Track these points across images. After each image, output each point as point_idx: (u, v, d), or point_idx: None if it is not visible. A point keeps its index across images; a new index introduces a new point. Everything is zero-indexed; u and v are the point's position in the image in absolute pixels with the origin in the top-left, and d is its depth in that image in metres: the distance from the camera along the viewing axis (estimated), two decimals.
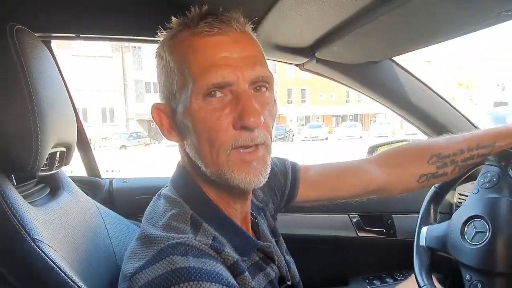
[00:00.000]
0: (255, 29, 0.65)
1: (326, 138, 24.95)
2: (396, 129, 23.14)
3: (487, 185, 0.90)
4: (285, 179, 0.87)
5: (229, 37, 0.57)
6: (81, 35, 1.13)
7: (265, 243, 0.67)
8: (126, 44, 26.18)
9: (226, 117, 0.56)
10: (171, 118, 0.62)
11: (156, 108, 0.63)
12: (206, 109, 0.56)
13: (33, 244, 0.61)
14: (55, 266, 0.61)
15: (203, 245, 0.53)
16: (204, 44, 0.57)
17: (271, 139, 0.61)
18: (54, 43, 1.26)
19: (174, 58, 0.59)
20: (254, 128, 0.56)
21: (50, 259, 0.61)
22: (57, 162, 0.83)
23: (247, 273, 0.56)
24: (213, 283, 0.48)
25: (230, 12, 0.60)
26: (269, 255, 0.67)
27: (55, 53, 1.10)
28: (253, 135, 0.56)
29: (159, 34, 0.63)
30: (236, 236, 0.61)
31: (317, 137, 24.67)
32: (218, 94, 0.56)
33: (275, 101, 0.63)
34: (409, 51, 1.14)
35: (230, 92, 0.56)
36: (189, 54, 0.57)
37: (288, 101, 32.13)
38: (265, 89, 0.60)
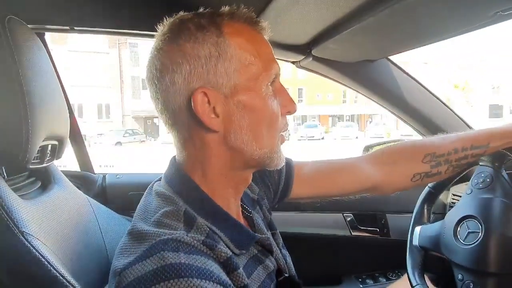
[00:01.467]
0: None
1: (322, 138, 25.00)
2: (392, 130, 23.26)
3: (481, 185, 0.91)
4: (279, 175, 0.87)
5: (267, 40, 0.66)
6: (75, 28, 1.12)
7: (263, 236, 0.67)
8: (123, 40, 26.10)
9: (277, 104, 0.64)
10: (217, 104, 0.59)
11: (202, 92, 0.58)
12: (269, 95, 0.62)
13: (21, 237, 0.61)
14: (44, 260, 0.60)
15: (195, 241, 0.53)
16: (262, 39, 0.64)
17: None
18: (50, 38, 1.25)
19: (235, 46, 0.60)
20: (293, 113, 0.67)
21: (39, 252, 0.60)
22: (48, 155, 0.82)
23: (241, 270, 0.56)
24: (203, 280, 0.47)
25: (228, 7, 0.63)
26: (267, 247, 0.67)
27: (50, 48, 1.09)
28: (286, 121, 0.66)
29: (189, 14, 0.61)
30: (234, 230, 0.61)
31: (313, 136, 24.72)
32: (272, 83, 0.63)
33: None
34: (405, 50, 1.14)
35: (273, 84, 0.64)
36: (254, 44, 0.62)
37: None
38: None
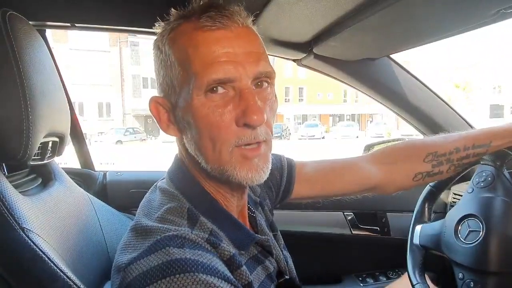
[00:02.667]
0: (252, 22, 0.64)
1: (323, 137, 24.99)
2: (392, 130, 23.25)
3: (482, 184, 0.90)
4: (280, 176, 0.87)
5: (232, 32, 0.56)
6: (76, 25, 1.12)
7: (263, 237, 0.67)
8: (124, 38, 26.09)
9: (229, 114, 0.55)
10: (170, 112, 0.61)
11: (154, 101, 0.61)
12: (209, 105, 0.55)
13: (22, 233, 0.60)
14: (44, 256, 0.60)
15: (200, 239, 0.52)
16: (206, 39, 0.55)
17: (272, 135, 0.60)
18: (51, 37, 1.25)
19: (175, 52, 0.57)
20: (257, 126, 0.55)
21: (39, 249, 0.60)
22: (49, 152, 0.82)
23: (244, 267, 0.56)
24: (208, 275, 0.47)
25: (232, 6, 0.58)
26: (267, 248, 0.67)
27: (51, 47, 1.09)
28: (255, 133, 0.56)
29: (157, 26, 0.61)
30: (234, 230, 0.61)
31: (314, 136, 24.72)
32: (221, 90, 0.55)
33: (275, 96, 0.62)
34: (407, 49, 1.14)
35: (233, 89, 0.56)
36: (190, 48, 0.55)
37: (285, 99, 32.13)
38: (266, 84, 0.59)
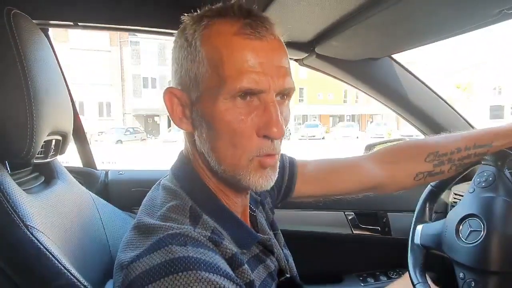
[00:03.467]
0: None
1: (323, 138, 24.96)
2: (393, 130, 23.23)
3: (483, 184, 0.90)
4: (282, 174, 0.87)
5: (268, 43, 0.56)
6: (79, 24, 1.12)
7: (265, 236, 0.67)
8: (125, 38, 26.08)
9: (251, 123, 0.56)
10: (186, 107, 0.60)
11: (170, 92, 0.60)
12: (233, 111, 0.55)
13: (26, 230, 0.61)
14: (48, 253, 0.60)
15: (202, 237, 0.53)
16: (244, 46, 0.55)
17: None
18: (51, 37, 1.24)
19: (208, 50, 0.56)
20: (276, 139, 0.57)
21: (43, 246, 0.61)
22: (52, 150, 0.82)
23: (246, 265, 0.56)
24: (211, 273, 0.47)
25: (267, 16, 0.59)
26: (269, 248, 0.67)
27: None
28: (274, 145, 0.57)
29: (187, 16, 0.60)
30: (237, 229, 0.61)
31: (314, 136, 24.69)
32: (247, 98, 0.56)
33: (289, 110, 0.63)
34: (409, 49, 1.14)
35: (258, 99, 0.56)
36: (226, 51, 0.55)
37: None
38: (286, 98, 0.61)
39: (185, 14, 0.61)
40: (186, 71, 0.59)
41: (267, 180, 0.59)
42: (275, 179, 0.60)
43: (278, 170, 0.61)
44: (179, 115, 0.61)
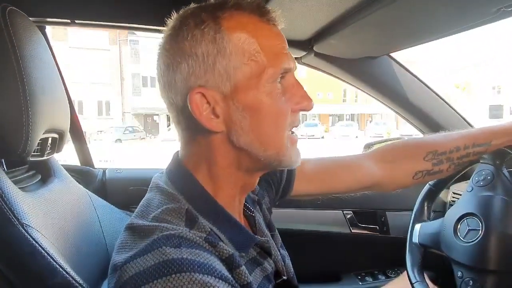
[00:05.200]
0: None
1: (322, 137, 24.98)
2: (392, 130, 23.25)
3: (482, 183, 0.90)
4: (280, 173, 0.87)
5: (279, 29, 0.61)
6: (76, 21, 1.12)
7: (263, 238, 0.66)
8: (124, 37, 26.05)
9: (288, 101, 0.60)
10: (216, 104, 0.57)
11: (198, 93, 0.56)
12: (276, 93, 0.58)
13: (21, 228, 0.60)
14: (43, 252, 0.60)
15: (197, 238, 0.52)
16: (270, 32, 0.59)
17: None
18: (50, 35, 1.24)
19: (237, 40, 0.56)
20: (309, 110, 0.62)
21: (39, 244, 0.60)
22: (48, 148, 0.81)
23: (243, 267, 0.55)
24: (205, 275, 0.47)
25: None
26: (267, 250, 0.66)
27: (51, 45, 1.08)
28: (299, 119, 0.63)
29: (193, 8, 0.59)
30: (235, 231, 0.60)
31: (313, 135, 24.68)
32: (281, 79, 0.59)
33: None
34: (408, 47, 1.14)
35: (285, 79, 0.60)
36: (257, 39, 0.57)
37: None
38: None
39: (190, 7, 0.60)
40: (211, 66, 0.56)
41: (299, 156, 0.64)
42: None
43: None
44: (209, 115, 0.57)
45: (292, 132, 0.62)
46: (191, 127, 0.59)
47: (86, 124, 20.65)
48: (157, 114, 27.62)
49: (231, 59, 0.56)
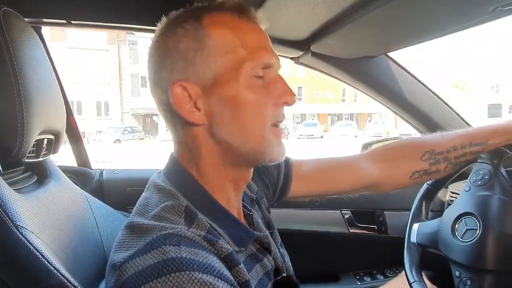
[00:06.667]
0: None
1: (322, 137, 24.99)
2: (391, 129, 23.27)
3: (479, 182, 0.90)
4: (278, 174, 0.87)
5: (259, 26, 0.63)
6: (72, 22, 1.11)
7: (262, 234, 0.67)
8: (122, 37, 26.03)
9: (269, 95, 0.61)
10: (197, 98, 0.59)
11: (180, 85, 0.58)
12: (256, 86, 0.59)
13: (15, 230, 0.60)
14: (38, 253, 0.59)
15: (196, 236, 0.52)
16: (250, 28, 0.61)
17: None
18: (49, 36, 1.24)
19: (217, 37, 0.58)
20: (291, 105, 0.63)
21: (33, 246, 0.60)
22: (44, 149, 0.81)
23: (242, 265, 0.55)
24: (204, 273, 0.47)
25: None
26: (266, 245, 0.66)
27: (49, 46, 1.08)
28: (283, 114, 0.63)
29: (180, 10, 0.62)
30: (233, 227, 0.60)
31: (313, 135, 24.70)
32: (262, 73, 0.60)
33: None
34: (405, 47, 1.14)
35: (266, 74, 0.61)
36: (237, 35, 0.59)
37: None
38: None
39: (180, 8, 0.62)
40: (192, 61, 0.59)
41: (284, 151, 0.64)
42: None
43: None
44: (191, 108, 0.59)
45: (277, 126, 0.63)
46: (178, 122, 0.62)
47: (85, 124, 20.65)
48: (156, 115, 27.53)
49: (211, 54, 0.58)
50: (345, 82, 1.36)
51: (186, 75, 0.59)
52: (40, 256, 0.60)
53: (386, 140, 1.67)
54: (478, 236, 0.82)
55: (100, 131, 23.39)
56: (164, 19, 0.62)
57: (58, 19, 1.10)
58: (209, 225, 0.57)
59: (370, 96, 1.36)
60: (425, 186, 1.03)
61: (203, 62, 0.58)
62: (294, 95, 0.63)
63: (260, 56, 0.59)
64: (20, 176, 0.79)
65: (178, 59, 0.59)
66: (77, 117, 1.51)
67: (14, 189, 0.69)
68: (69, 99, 1.25)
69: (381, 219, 1.54)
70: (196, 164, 0.62)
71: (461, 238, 0.86)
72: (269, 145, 0.62)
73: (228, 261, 0.54)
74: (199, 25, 0.59)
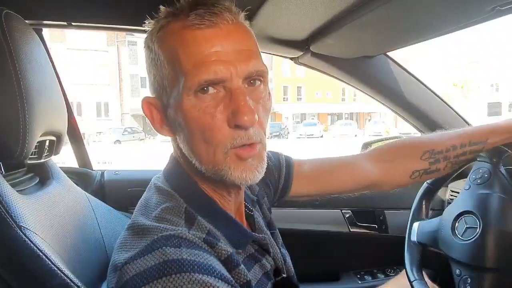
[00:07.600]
0: (249, 20, 0.63)
1: (321, 136, 24.99)
2: (391, 128, 23.27)
3: (479, 181, 0.90)
4: (279, 173, 0.87)
5: (221, 29, 0.54)
6: (73, 24, 1.12)
7: (260, 235, 0.67)
8: (122, 38, 26.03)
9: (220, 115, 0.54)
10: (163, 113, 0.60)
11: (146, 101, 0.61)
12: (199, 107, 0.54)
13: (19, 231, 0.60)
14: (42, 254, 0.60)
15: (196, 239, 0.52)
16: (195, 38, 0.54)
17: (265, 135, 0.59)
18: (48, 37, 1.24)
19: (164, 51, 0.56)
20: (248, 127, 0.54)
21: (37, 247, 0.60)
22: (46, 151, 0.82)
23: (242, 266, 0.55)
24: (205, 275, 0.47)
25: (221, 2, 0.56)
26: (264, 247, 0.66)
27: (49, 47, 1.09)
28: (249, 134, 0.54)
29: (147, 23, 0.60)
30: (231, 229, 0.61)
31: (312, 135, 24.71)
32: (211, 90, 0.54)
33: (269, 94, 0.61)
34: (404, 46, 1.14)
35: (223, 88, 0.54)
36: (179, 48, 0.54)
37: (283, 98, 32.12)
38: (259, 82, 0.57)
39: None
40: (154, 77, 0.59)
41: (253, 172, 0.56)
42: (263, 170, 0.58)
43: (265, 160, 0.58)
44: (159, 122, 0.61)
45: (242, 147, 0.55)
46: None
47: (85, 125, 20.64)
48: None
49: (162, 70, 0.57)
50: (345, 82, 1.36)
51: (154, 90, 0.60)
52: (44, 257, 0.60)
53: (386, 139, 1.68)
54: (478, 234, 0.82)
55: (100, 132, 23.38)
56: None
57: (59, 20, 1.11)
58: (208, 227, 0.57)
59: (370, 96, 1.36)
60: (425, 185, 1.04)
61: (160, 78, 0.58)
62: (249, 115, 0.52)
63: (199, 72, 0.53)
64: (23, 178, 0.80)
65: (148, 72, 0.61)
66: (77, 118, 1.52)
67: (17, 190, 0.70)
68: (69, 100, 1.25)
69: (381, 218, 1.54)
70: (190, 168, 0.62)
71: (461, 236, 0.86)
72: (228, 169, 0.55)
73: (228, 263, 0.54)
74: (153, 40, 0.58)
